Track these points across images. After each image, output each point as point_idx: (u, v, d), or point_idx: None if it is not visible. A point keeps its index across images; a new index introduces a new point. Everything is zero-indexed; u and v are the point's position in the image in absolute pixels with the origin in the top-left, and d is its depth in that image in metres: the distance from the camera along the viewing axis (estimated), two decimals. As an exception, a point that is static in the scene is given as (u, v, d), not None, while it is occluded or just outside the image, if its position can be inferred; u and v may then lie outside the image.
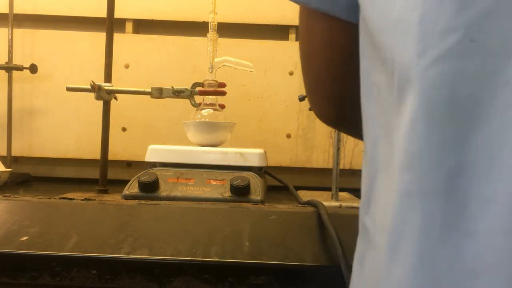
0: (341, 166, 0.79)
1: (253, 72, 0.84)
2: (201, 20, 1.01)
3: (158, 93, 0.76)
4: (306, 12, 0.39)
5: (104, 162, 0.79)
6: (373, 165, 0.29)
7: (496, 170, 0.22)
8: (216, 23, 0.83)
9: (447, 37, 0.23)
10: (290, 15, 1.01)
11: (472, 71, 0.23)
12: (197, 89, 0.79)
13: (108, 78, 0.80)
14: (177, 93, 0.77)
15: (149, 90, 0.77)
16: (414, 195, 0.24)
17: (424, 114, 0.24)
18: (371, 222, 0.29)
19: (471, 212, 0.23)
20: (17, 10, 0.98)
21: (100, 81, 0.77)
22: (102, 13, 0.81)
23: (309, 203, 0.64)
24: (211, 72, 0.82)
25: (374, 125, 0.30)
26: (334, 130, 0.77)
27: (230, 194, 0.67)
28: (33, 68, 0.97)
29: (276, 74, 1.01)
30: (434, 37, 0.24)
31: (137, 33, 1.06)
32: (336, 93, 0.40)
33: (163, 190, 0.68)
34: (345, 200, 0.78)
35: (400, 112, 0.26)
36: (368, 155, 0.30)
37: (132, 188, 0.68)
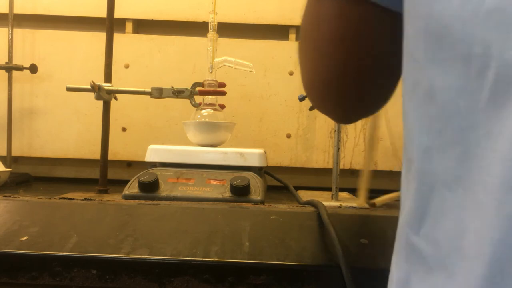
0: (341, 166, 0.79)
1: (253, 72, 0.84)
2: (201, 20, 1.01)
3: (158, 93, 0.77)
4: None
5: (104, 162, 0.79)
6: (426, 178, 0.26)
7: None
8: (216, 23, 0.83)
9: None
10: (290, 15, 1.01)
11: None
12: (197, 89, 0.79)
13: (108, 78, 0.80)
14: (177, 93, 0.77)
15: (149, 90, 0.77)
16: None
17: None
18: (427, 244, 0.26)
19: None
20: (17, 10, 0.98)
21: (100, 81, 0.77)
22: (102, 13, 0.81)
23: (309, 203, 0.64)
24: (211, 72, 0.82)
25: (422, 131, 0.26)
26: (334, 130, 0.77)
27: (230, 194, 0.67)
28: (33, 68, 0.97)
29: (276, 74, 1.01)
30: None
31: (137, 33, 1.06)
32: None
33: (163, 190, 0.68)
34: (345, 200, 0.78)
35: (498, 117, 0.22)
36: (415, 167, 0.27)
37: (132, 188, 0.68)
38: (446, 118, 0.24)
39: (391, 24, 0.34)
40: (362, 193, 0.71)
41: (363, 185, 0.71)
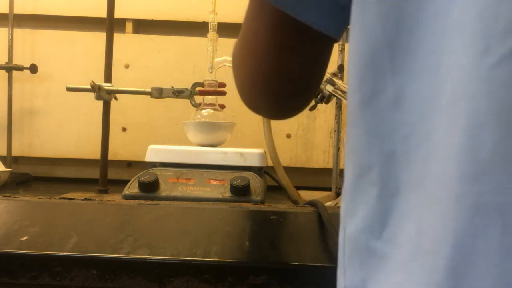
0: (341, 166, 0.79)
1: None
2: (201, 20, 1.01)
3: (158, 93, 0.77)
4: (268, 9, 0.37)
5: (104, 162, 0.79)
6: (390, 183, 0.26)
7: None
8: (216, 23, 0.83)
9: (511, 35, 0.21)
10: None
11: None
12: (197, 89, 0.79)
13: (108, 78, 0.80)
14: (177, 93, 0.77)
15: (149, 90, 0.77)
16: (488, 208, 0.22)
17: (495, 118, 0.21)
18: (389, 246, 0.26)
19: None
20: (17, 10, 0.98)
21: (100, 81, 0.77)
22: (102, 13, 0.81)
23: (309, 203, 0.64)
24: (211, 72, 0.82)
25: (384, 138, 0.27)
26: (334, 130, 0.77)
27: (230, 194, 0.67)
28: (33, 68, 0.97)
29: (276, 74, 1.01)
30: (497, 36, 0.22)
31: (137, 33, 1.06)
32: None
33: (163, 190, 0.68)
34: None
35: (452, 119, 0.23)
36: (376, 173, 0.27)
37: (132, 188, 0.68)
38: (412, 123, 0.25)
39: (317, 43, 0.37)
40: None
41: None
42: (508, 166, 0.21)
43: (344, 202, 0.31)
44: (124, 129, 1.02)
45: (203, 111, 0.83)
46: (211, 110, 0.83)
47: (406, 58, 0.26)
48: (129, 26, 1.04)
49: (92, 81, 0.74)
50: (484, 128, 0.22)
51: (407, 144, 0.26)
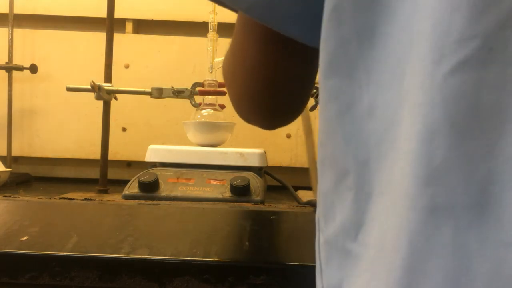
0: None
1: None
2: (201, 20, 1.01)
3: (158, 93, 0.76)
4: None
5: (104, 162, 0.79)
6: (365, 188, 0.28)
7: None
8: (216, 23, 0.83)
9: (464, 45, 0.23)
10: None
11: (493, 80, 0.22)
12: (197, 89, 0.79)
13: (108, 78, 0.80)
14: (177, 93, 0.77)
15: (149, 90, 0.77)
16: (439, 209, 0.23)
17: (448, 124, 0.23)
18: (361, 248, 0.28)
19: (509, 222, 0.22)
20: (17, 10, 0.98)
21: (100, 81, 0.77)
22: (102, 13, 0.81)
23: (309, 203, 0.64)
24: (211, 72, 0.82)
25: (359, 145, 0.28)
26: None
27: (230, 194, 0.67)
28: (33, 68, 0.97)
29: (276, 74, 1.01)
30: (450, 46, 0.23)
31: (137, 33, 1.06)
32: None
33: (163, 190, 0.68)
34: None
35: (411, 126, 0.24)
36: (352, 178, 0.29)
37: (132, 188, 0.68)
38: (382, 131, 0.27)
39: (304, 55, 0.39)
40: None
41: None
42: (460, 170, 0.23)
43: (321, 207, 0.32)
44: (124, 129, 1.02)
45: (203, 111, 0.83)
46: (211, 110, 0.83)
47: (378, 69, 0.27)
48: (129, 26, 1.04)
49: (92, 81, 0.74)
50: (438, 135, 0.23)
51: (378, 151, 0.27)
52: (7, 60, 0.96)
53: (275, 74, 0.40)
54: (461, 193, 0.23)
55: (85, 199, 0.62)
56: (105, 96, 0.77)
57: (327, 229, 0.31)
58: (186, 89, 0.78)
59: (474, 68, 0.23)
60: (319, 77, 0.32)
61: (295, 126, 1.01)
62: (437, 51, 0.23)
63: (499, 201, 0.22)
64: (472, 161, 0.22)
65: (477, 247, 0.22)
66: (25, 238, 0.53)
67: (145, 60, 1.02)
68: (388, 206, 0.26)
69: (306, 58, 0.40)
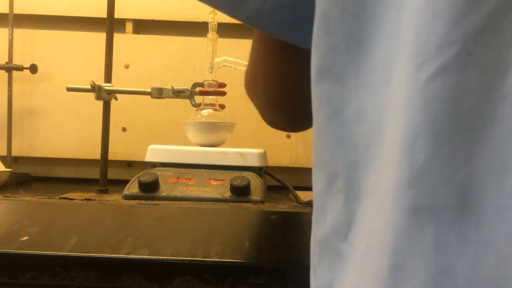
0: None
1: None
2: (201, 20, 1.01)
3: (158, 93, 0.76)
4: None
5: (104, 162, 0.79)
6: (354, 190, 0.29)
7: (508, 178, 0.23)
8: (216, 23, 0.83)
9: (444, 51, 0.23)
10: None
11: (473, 84, 0.23)
12: (197, 89, 0.79)
13: (108, 78, 0.80)
14: (177, 93, 0.77)
15: (149, 90, 0.77)
16: (422, 210, 0.24)
17: (429, 128, 0.24)
18: (350, 248, 0.29)
19: (488, 222, 0.23)
20: (17, 10, 0.98)
21: (100, 81, 0.77)
22: (102, 13, 0.81)
23: (309, 203, 0.64)
24: (211, 72, 0.82)
25: (349, 149, 0.29)
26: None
27: (230, 194, 0.67)
28: (33, 68, 0.97)
29: (276, 74, 1.01)
30: (431, 51, 0.24)
31: (137, 33, 1.06)
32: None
33: (163, 190, 0.68)
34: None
35: (396, 130, 0.25)
36: (342, 181, 0.29)
37: (132, 188, 0.68)
38: (370, 135, 0.28)
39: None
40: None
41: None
42: (440, 172, 0.23)
43: (314, 208, 0.33)
44: (124, 129, 1.02)
45: (203, 111, 0.83)
46: (211, 110, 0.83)
47: (366, 74, 0.28)
48: (129, 26, 1.04)
49: (92, 81, 0.74)
50: (419, 138, 0.24)
51: (367, 154, 0.28)
52: (7, 60, 0.96)
53: (294, 79, 0.41)
54: (441, 194, 0.23)
55: (85, 199, 0.62)
56: (105, 96, 0.77)
57: (319, 231, 0.32)
58: (186, 89, 0.78)
59: (454, 73, 0.23)
60: (311, 82, 0.33)
61: (295, 126, 1.01)
62: (419, 57, 0.24)
63: (479, 202, 0.23)
64: (453, 163, 0.23)
65: (458, 247, 0.23)
66: (25, 238, 0.53)
67: (145, 60, 1.02)
68: (375, 207, 0.27)
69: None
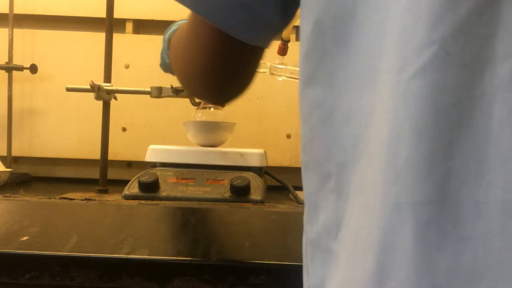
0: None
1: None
2: (201, 20, 1.01)
3: (158, 92, 0.76)
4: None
5: (104, 162, 0.79)
6: (344, 189, 0.30)
7: (485, 175, 0.23)
8: (216, 23, 0.83)
9: (424, 51, 0.24)
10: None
11: (451, 83, 0.24)
12: (197, 89, 0.79)
13: (108, 78, 0.80)
14: (177, 92, 0.76)
15: (149, 89, 0.77)
16: (403, 206, 0.24)
17: (409, 126, 0.25)
18: (341, 247, 0.29)
19: (465, 218, 0.23)
20: (17, 10, 0.98)
21: (100, 81, 0.77)
22: (102, 13, 0.81)
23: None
24: (211, 72, 0.82)
25: (340, 149, 0.30)
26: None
27: (230, 194, 0.67)
28: (33, 68, 0.97)
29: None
30: (412, 53, 0.25)
31: (137, 33, 1.06)
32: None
33: (163, 190, 0.68)
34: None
35: (381, 130, 0.26)
36: (334, 181, 0.30)
37: (132, 188, 0.68)
38: (358, 136, 0.29)
39: (246, 50, 0.41)
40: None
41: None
42: (419, 169, 0.24)
43: (306, 208, 0.34)
44: (124, 129, 1.02)
45: (203, 111, 0.83)
46: (211, 110, 0.83)
47: (354, 78, 0.29)
48: (129, 26, 1.04)
49: (92, 81, 0.74)
50: (401, 137, 0.25)
51: (355, 154, 0.29)
52: (7, 60, 0.96)
53: (228, 59, 0.43)
54: (421, 191, 0.24)
55: (85, 199, 0.62)
56: (105, 96, 0.77)
57: (312, 230, 0.33)
58: (186, 89, 0.78)
59: (432, 72, 0.24)
60: (299, 87, 0.34)
61: (295, 126, 1.01)
62: (401, 59, 0.25)
63: (456, 198, 0.24)
64: (431, 160, 0.24)
65: (437, 242, 0.24)
66: (25, 238, 0.53)
67: (145, 60, 1.01)
68: (362, 205, 0.27)
69: (252, 51, 0.43)
